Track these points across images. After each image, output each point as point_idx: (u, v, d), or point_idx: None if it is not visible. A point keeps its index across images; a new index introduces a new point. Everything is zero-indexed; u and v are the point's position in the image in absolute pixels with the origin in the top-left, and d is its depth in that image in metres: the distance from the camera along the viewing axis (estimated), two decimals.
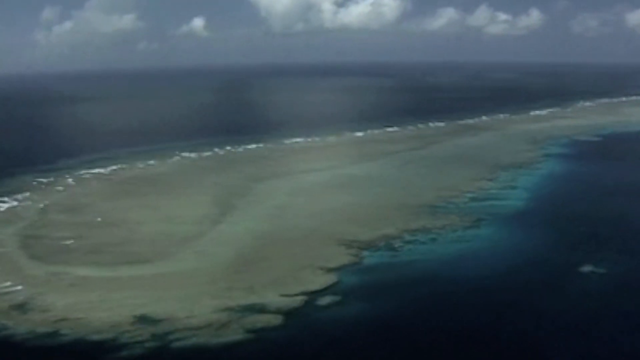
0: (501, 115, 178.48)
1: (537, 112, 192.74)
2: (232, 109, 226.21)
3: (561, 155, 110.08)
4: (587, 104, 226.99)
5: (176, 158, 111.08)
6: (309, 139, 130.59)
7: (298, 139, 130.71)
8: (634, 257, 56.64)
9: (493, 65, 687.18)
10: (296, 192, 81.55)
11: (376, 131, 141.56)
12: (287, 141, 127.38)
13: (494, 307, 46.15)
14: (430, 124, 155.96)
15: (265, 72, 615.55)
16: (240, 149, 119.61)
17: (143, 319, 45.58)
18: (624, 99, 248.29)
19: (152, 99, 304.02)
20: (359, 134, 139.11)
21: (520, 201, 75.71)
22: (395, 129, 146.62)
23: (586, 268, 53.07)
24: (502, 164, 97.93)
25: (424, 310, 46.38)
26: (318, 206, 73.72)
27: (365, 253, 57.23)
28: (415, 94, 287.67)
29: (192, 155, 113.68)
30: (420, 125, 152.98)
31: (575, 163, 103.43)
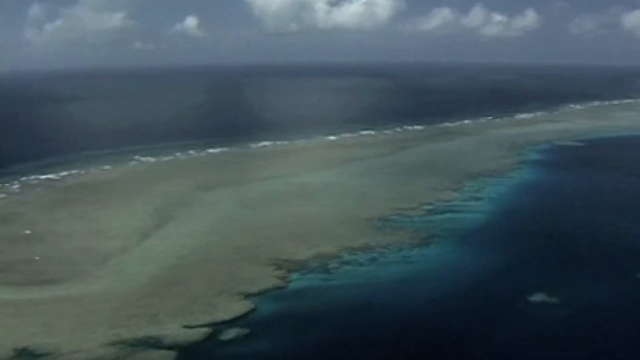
0: (485, 119, 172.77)
1: (524, 115, 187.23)
2: (213, 110, 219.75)
3: (537, 162, 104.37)
4: (577, 107, 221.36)
5: (133, 163, 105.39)
6: (278, 143, 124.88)
7: (266, 143, 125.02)
8: (597, 285, 50.71)
9: (488, 66, 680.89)
10: (243, 202, 76.01)
11: (350, 135, 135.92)
12: (254, 145, 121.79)
13: (423, 343, 40.87)
14: (409, 128, 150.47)
15: (257, 72, 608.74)
16: (203, 154, 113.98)
17: (23, 353, 40.14)
18: (616, 102, 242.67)
19: (136, 99, 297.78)
20: (332, 137, 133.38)
21: (481, 215, 69.96)
22: (370, 132, 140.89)
23: (537, 297, 47.03)
24: (471, 172, 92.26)
25: (346, 345, 40.89)
26: (261, 219, 68.16)
27: (294, 275, 51.69)
28: (403, 96, 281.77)
29: (151, 159, 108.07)
30: (397, 129, 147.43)
31: (550, 171, 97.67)
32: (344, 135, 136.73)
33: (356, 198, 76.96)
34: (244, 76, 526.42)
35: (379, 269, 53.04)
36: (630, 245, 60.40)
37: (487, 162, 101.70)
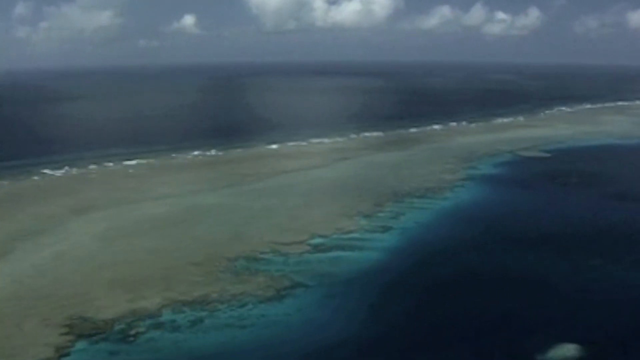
0: (458, 124, 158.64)
1: (502, 119, 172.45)
2: (192, 111, 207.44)
3: (486, 179, 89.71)
4: (565, 109, 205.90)
5: (35, 177, 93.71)
6: (209, 153, 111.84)
7: (196, 152, 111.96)
8: None
9: (490, 66, 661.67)
10: (107, 232, 63.41)
11: (296, 143, 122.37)
12: (175, 154, 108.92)
13: None
14: (367, 134, 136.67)
15: (254, 71, 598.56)
16: (120, 166, 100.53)
17: None
18: (609, 104, 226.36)
19: (119, 99, 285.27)
20: (274, 146, 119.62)
21: (375, 255, 55.98)
22: (322, 140, 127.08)
23: None
24: (400, 192, 78.80)
25: None
26: (105, 257, 55.58)
27: (78, 345, 38.99)
28: (387, 97, 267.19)
29: (57, 173, 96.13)
30: (352, 136, 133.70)
31: (497, 191, 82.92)
32: (290, 143, 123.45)
33: (237, 226, 63.57)
34: (241, 75, 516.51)
35: (195, 337, 39.94)
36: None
37: (427, 177, 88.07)
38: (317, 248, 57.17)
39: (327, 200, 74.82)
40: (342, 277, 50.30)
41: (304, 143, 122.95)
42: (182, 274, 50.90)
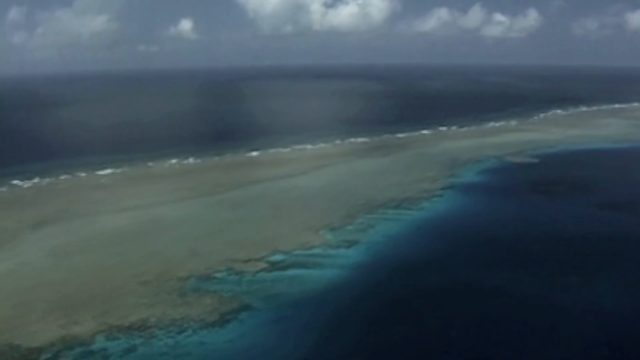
0: (448, 128, 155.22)
1: (494, 123, 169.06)
2: (179, 117, 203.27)
3: (467, 187, 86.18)
4: (560, 112, 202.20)
5: (2, 189, 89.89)
6: (185, 162, 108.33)
7: (173, 160, 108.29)
8: None
9: (489, 68, 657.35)
10: (58, 247, 60.09)
11: (273, 150, 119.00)
12: (152, 163, 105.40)
13: None
14: (352, 140, 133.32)
15: (250, 74, 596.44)
16: (91, 176, 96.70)
17: None
18: (605, 107, 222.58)
19: (106, 104, 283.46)
20: (254, 153, 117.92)
21: (339, 272, 52.67)
22: (305, 146, 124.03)
23: None
24: (375, 202, 75.64)
25: None
26: (51, 275, 52.33)
27: None
28: (381, 100, 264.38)
29: (26, 184, 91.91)
30: (337, 141, 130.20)
31: (476, 201, 79.09)
32: (272, 150, 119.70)
33: (197, 241, 60.29)
34: (234, 79, 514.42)
35: None
36: None
37: (406, 186, 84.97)
38: (274, 266, 54.09)
39: (296, 212, 71.74)
40: (294, 298, 47.13)
41: (286, 150, 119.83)
42: (126, 295, 47.95)
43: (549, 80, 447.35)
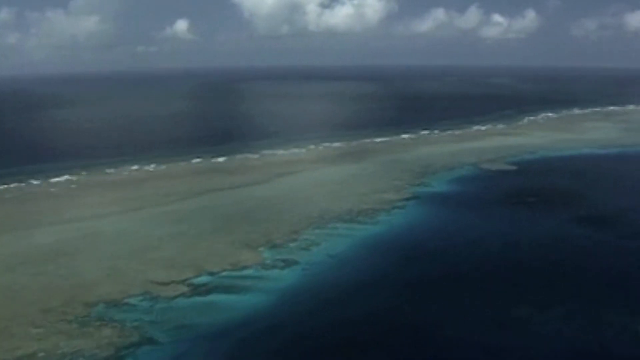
0: (430, 132, 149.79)
1: (480, 126, 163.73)
2: (157, 119, 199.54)
3: (433, 197, 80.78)
4: (551, 115, 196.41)
5: None
6: (145, 167, 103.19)
7: (135, 167, 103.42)
8: None
9: (487, 69, 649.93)
10: None
11: (240, 156, 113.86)
12: (111, 169, 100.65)
13: None
14: (327, 144, 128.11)
15: (244, 76, 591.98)
16: (44, 184, 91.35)
17: None
18: (598, 109, 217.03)
19: (88, 106, 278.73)
20: (220, 159, 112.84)
21: (265, 298, 47.69)
22: (274, 152, 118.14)
23: None
24: (329, 215, 70.06)
25: None
26: None
27: None
28: (369, 102, 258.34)
29: None
30: (311, 147, 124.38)
31: (440, 214, 73.42)
32: (239, 156, 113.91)
33: (120, 260, 55.16)
34: (228, 81, 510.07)
35: None
36: None
37: (367, 196, 79.95)
38: (195, 290, 49.22)
39: (240, 226, 66.75)
40: (204, 330, 42.17)
41: (255, 156, 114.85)
42: (23, 324, 43.12)
43: (545, 81, 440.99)
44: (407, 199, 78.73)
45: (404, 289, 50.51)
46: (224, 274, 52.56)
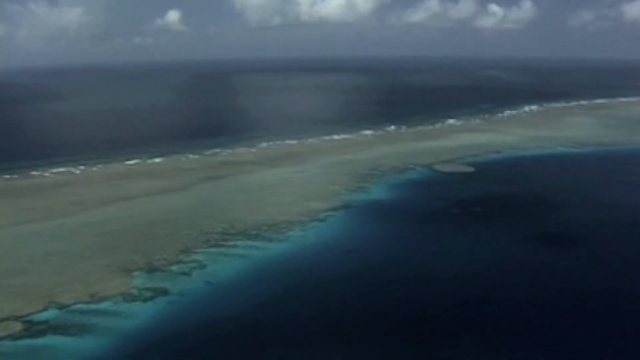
0: (394, 127, 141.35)
1: (454, 121, 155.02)
2: (123, 116, 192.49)
3: (366, 207, 71.84)
4: (533, 109, 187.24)
5: None
6: (72, 169, 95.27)
7: (61, 169, 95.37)
8: None
9: (483, 61, 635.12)
10: None
11: (178, 156, 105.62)
12: (36, 172, 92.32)
13: None
14: (278, 142, 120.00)
15: (234, 68, 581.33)
16: None
17: None
18: (584, 102, 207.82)
19: (49, 103, 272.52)
20: (158, 160, 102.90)
21: (110, 342, 39.45)
22: (214, 151, 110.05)
23: None
24: (233, 229, 61.12)
25: None
26: None
27: None
28: (348, 95, 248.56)
29: None
30: (263, 144, 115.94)
31: (366, 229, 64.29)
32: (176, 157, 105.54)
33: None
34: (218, 74, 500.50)
35: None
36: None
37: (290, 205, 71.07)
38: (32, 329, 40.94)
39: (130, 243, 58.64)
40: None
41: (195, 156, 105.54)
42: None
43: (540, 73, 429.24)
44: (334, 209, 70.25)
45: (285, 330, 42.46)
46: (75, 307, 44.69)
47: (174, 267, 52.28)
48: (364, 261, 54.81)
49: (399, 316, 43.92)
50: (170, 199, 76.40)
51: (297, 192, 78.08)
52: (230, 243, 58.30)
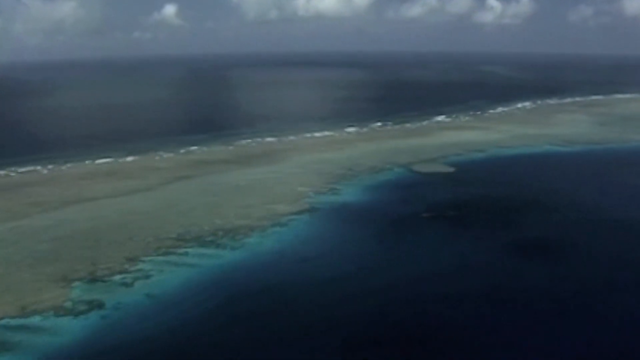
0: (380, 124, 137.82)
1: (442, 118, 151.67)
2: (97, 113, 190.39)
3: (335, 210, 68.56)
4: (526, 105, 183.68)
5: None
6: (35, 167, 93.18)
7: (28, 167, 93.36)
8: None
9: (481, 56, 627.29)
10: None
11: (152, 155, 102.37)
12: (22, 170, 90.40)
13: None
14: (257, 140, 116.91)
15: (227, 62, 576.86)
16: None
17: None
18: (579, 99, 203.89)
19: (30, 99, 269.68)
20: (130, 158, 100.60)
21: None
22: (187, 148, 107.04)
23: None
24: (188, 235, 58.24)
25: None
26: None
27: None
28: (340, 91, 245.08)
29: None
30: (242, 142, 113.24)
31: (330, 235, 60.96)
32: (150, 155, 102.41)
33: None
34: (212, 68, 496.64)
35: None
36: None
37: (253, 209, 67.42)
38: None
39: (76, 250, 55.38)
40: None
41: (169, 155, 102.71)
42: None
43: (538, 68, 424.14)
44: (299, 213, 67.05)
45: (221, 346, 39.27)
46: (1, 322, 42.26)
47: (117, 277, 49.48)
48: (316, 272, 51.53)
49: (343, 333, 40.99)
50: (133, 200, 73.54)
51: (264, 194, 75.06)
52: (182, 250, 55.42)
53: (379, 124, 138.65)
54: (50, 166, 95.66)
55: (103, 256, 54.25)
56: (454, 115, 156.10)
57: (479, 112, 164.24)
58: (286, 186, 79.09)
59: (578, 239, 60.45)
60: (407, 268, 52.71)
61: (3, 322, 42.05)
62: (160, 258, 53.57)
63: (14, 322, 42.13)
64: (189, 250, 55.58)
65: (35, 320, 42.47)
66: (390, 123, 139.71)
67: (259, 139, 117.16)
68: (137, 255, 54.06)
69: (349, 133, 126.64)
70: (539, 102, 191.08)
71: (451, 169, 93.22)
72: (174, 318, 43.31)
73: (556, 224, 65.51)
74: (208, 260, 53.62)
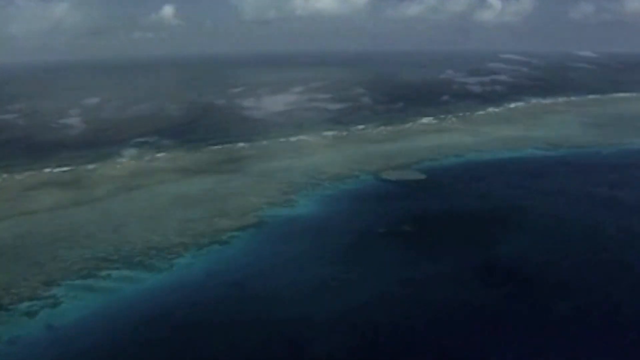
0: (363, 127, 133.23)
1: (428, 119, 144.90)
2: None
3: (285, 224, 64.00)
4: (518, 105, 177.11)
5: None
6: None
7: None
8: None
9: (483, 54, 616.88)
10: None
11: (90, 166, 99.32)
12: None
13: None
14: (228, 145, 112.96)
15: (231, 62, 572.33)
16: None
17: None
18: (574, 98, 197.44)
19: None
20: (90, 166, 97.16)
21: None
22: (133, 151, 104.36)
23: None
24: (117, 254, 53.99)
25: None
26: None
27: None
28: (331, 92, 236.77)
29: None
30: (217, 147, 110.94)
31: (272, 255, 56.53)
32: (108, 163, 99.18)
33: None
34: (221, 67, 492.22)
35: None
36: None
37: (195, 223, 62.49)
38: None
39: None
40: None
41: (131, 162, 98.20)
42: None
43: (537, 67, 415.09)
44: (244, 228, 62.44)
45: None
46: None
47: (23, 305, 45.27)
48: (245, 299, 46.99)
49: None
50: (73, 214, 69.33)
51: (212, 206, 70.55)
52: (105, 273, 51.16)
53: (361, 126, 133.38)
54: (5, 175, 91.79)
55: (18, 279, 50.23)
56: (441, 117, 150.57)
57: (468, 113, 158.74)
58: (238, 197, 74.59)
59: (545, 260, 54.79)
60: (343, 292, 47.95)
61: None
62: (79, 282, 49.44)
63: None
64: (113, 272, 51.37)
65: None
66: (371, 125, 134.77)
67: (230, 145, 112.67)
68: (54, 279, 49.96)
69: (325, 137, 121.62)
70: (531, 101, 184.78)
71: (422, 176, 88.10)
72: (72, 351, 39.35)
73: (526, 244, 59.54)
74: (129, 284, 49.35)
